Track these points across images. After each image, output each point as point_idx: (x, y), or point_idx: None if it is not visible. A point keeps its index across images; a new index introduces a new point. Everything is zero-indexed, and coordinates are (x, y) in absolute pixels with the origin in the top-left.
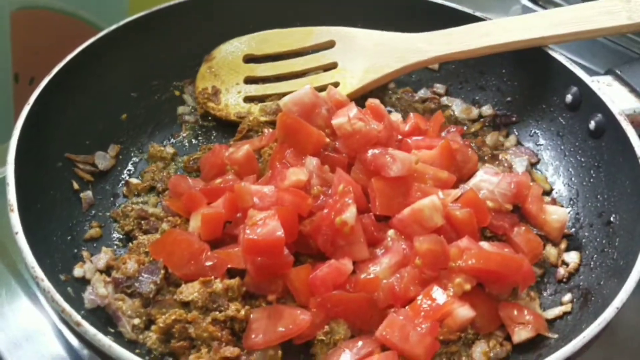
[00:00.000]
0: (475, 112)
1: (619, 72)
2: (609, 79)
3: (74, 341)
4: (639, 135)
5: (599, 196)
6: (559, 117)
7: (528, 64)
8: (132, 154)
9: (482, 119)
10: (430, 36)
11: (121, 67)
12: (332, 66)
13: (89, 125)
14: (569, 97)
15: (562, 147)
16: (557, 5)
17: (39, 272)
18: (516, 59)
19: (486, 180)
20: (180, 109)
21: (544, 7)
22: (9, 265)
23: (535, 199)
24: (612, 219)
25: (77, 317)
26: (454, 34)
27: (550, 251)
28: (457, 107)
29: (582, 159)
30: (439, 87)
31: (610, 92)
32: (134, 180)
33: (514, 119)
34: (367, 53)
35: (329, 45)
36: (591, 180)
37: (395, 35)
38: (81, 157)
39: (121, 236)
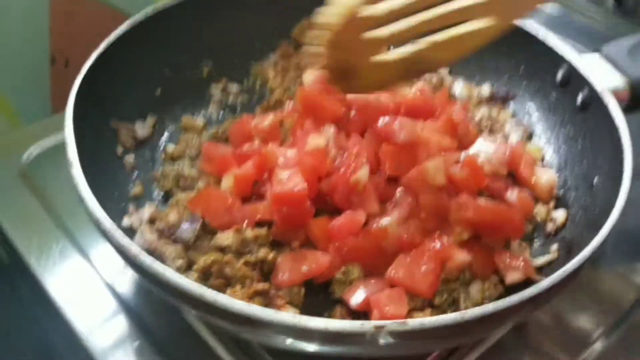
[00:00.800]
0: (475, 90)
1: (605, 51)
2: (596, 57)
3: (124, 291)
4: (621, 107)
5: (584, 162)
6: (551, 93)
7: (524, 44)
8: (167, 124)
9: (479, 96)
10: None
11: (155, 48)
12: None
13: (128, 97)
14: (559, 75)
15: (553, 120)
16: None
17: (99, 214)
18: (513, 40)
19: (484, 148)
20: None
21: None
22: (62, 228)
23: (528, 164)
24: (595, 180)
25: (136, 249)
26: None
27: (541, 209)
28: (459, 85)
29: (571, 130)
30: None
31: (597, 69)
32: (170, 147)
33: (510, 95)
34: None
35: None
36: (578, 148)
37: None
38: (123, 125)
39: (161, 194)
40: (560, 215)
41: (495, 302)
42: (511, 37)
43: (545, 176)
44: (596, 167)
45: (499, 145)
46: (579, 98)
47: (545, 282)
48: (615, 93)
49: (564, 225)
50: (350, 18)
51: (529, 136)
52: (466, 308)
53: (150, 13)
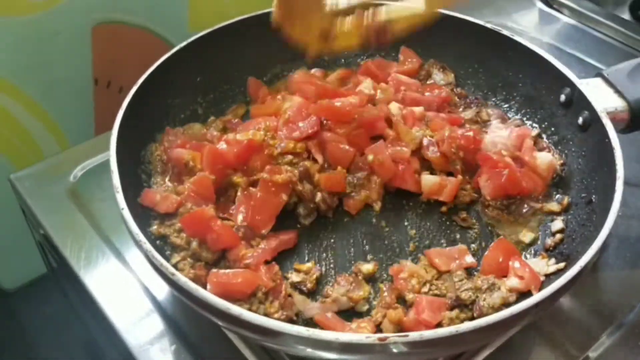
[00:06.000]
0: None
1: (606, 75)
2: (598, 81)
3: (159, 295)
4: (619, 129)
5: (583, 180)
6: (555, 113)
7: (529, 68)
8: None
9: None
10: None
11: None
12: None
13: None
14: (562, 97)
15: (557, 139)
16: (570, 9)
17: (141, 237)
18: (519, 63)
19: (500, 132)
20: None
21: (559, 10)
22: (100, 235)
23: (528, 149)
24: (592, 199)
25: (172, 269)
26: None
27: (553, 205)
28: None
29: (573, 149)
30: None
31: (597, 92)
32: None
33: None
34: None
35: None
36: (578, 167)
37: None
38: None
39: None
40: (559, 231)
41: (487, 316)
42: (518, 57)
43: (546, 159)
44: (593, 186)
45: (510, 129)
46: (580, 119)
47: (533, 298)
48: (616, 115)
49: (562, 240)
50: None
51: None
52: (481, 309)
53: (186, 44)
